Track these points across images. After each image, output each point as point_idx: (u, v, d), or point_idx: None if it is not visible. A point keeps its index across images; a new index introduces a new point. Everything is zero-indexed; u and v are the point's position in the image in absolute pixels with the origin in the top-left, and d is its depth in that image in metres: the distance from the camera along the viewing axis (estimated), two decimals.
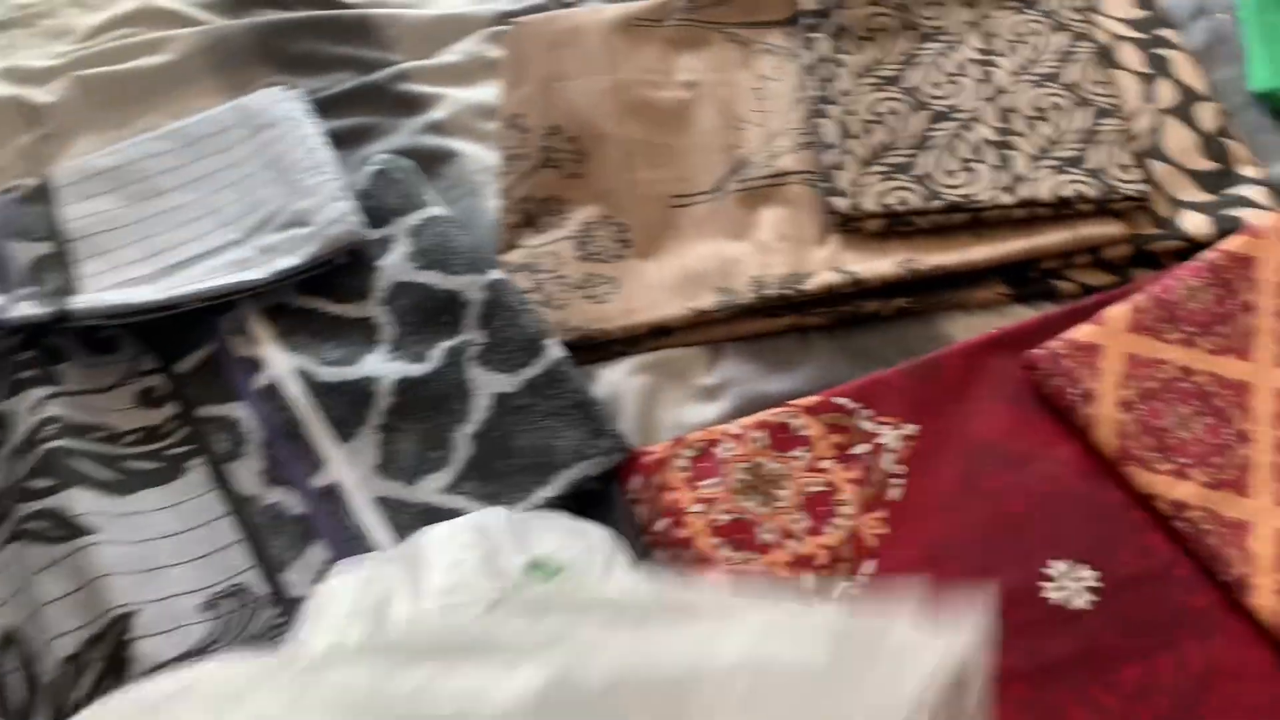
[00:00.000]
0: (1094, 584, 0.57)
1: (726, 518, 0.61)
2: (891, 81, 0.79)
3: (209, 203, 0.78)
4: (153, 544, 0.62)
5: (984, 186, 0.73)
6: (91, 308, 0.71)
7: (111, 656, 0.57)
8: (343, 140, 0.84)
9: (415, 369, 0.68)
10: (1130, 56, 0.81)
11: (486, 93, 0.86)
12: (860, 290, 0.71)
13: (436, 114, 0.86)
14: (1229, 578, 0.56)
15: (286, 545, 0.62)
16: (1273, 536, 0.57)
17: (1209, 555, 0.57)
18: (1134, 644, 0.55)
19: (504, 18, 0.90)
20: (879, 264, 0.71)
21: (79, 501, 0.62)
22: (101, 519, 0.62)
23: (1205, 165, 0.75)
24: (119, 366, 0.72)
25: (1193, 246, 0.71)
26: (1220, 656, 0.55)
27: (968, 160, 0.74)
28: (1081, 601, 0.57)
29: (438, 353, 0.69)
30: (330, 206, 0.75)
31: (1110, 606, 0.57)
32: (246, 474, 0.66)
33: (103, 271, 0.75)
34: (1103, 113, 0.76)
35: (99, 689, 0.56)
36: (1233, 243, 0.67)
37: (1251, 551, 0.56)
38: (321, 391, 0.68)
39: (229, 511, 0.64)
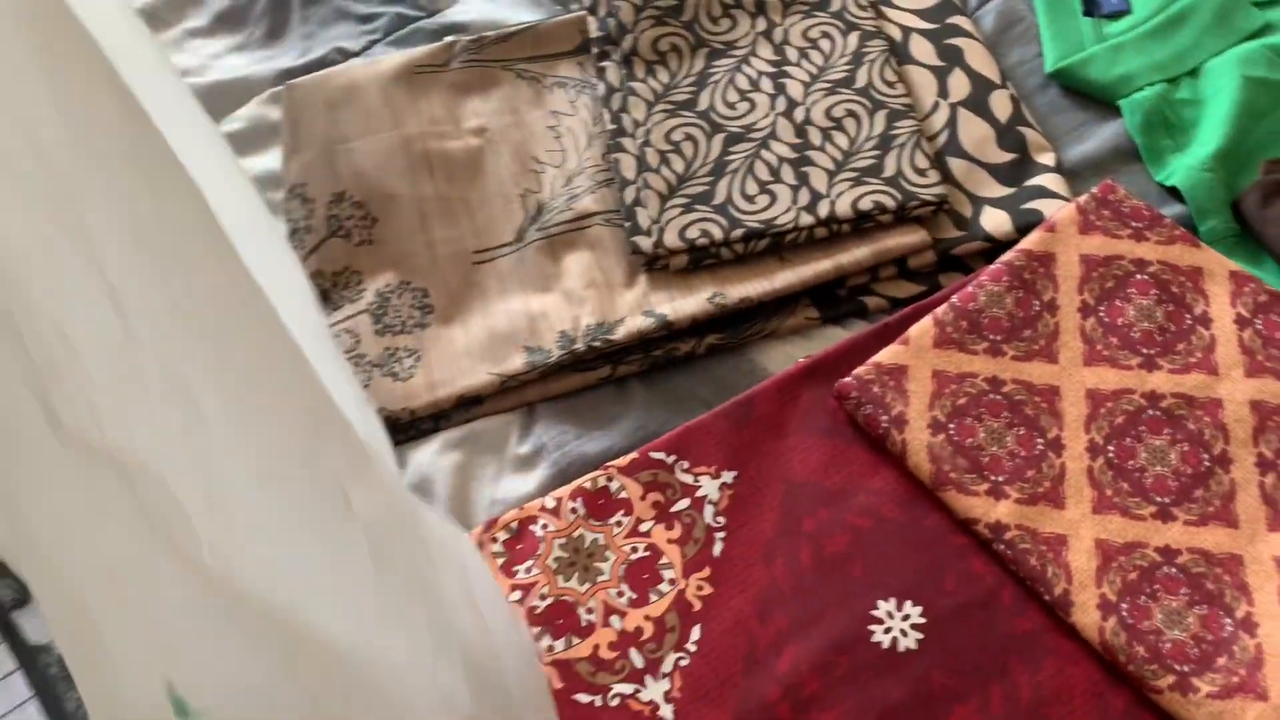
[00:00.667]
0: (920, 620, 0.56)
1: (545, 603, 0.58)
2: (685, 106, 0.77)
3: None
4: None
5: (784, 209, 0.71)
6: None
7: None
8: None
9: None
10: (922, 49, 0.80)
11: (274, 160, 0.82)
12: (671, 332, 0.69)
13: None
14: (1051, 596, 0.55)
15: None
16: (1090, 549, 0.56)
17: (1030, 575, 0.56)
18: (964, 681, 0.54)
19: (285, 76, 0.86)
20: (687, 303, 0.69)
21: None
22: None
23: (1003, 157, 0.74)
24: None
25: (997, 246, 0.70)
26: (1049, 682, 0.54)
27: (766, 183, 0.73)
28: (910, 641, 0.56)
29: None
30: None
31: (938, 642, 0.55)
32: (37, 620, 0.61)
33: None
34: (896, 115, 0.75)
35: None
36: (1031, 240, 0.67)
37: (1070, 566, 0.56)
38: None
39: (18, 667, 0.60)
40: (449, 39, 0.83)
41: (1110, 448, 0.59)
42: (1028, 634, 0.55)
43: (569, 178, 0.77)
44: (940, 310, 0.64)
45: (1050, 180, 0.72)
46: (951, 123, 0.76)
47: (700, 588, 0.58)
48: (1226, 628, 0.53)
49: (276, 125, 0.83)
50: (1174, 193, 0.72)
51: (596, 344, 0.68)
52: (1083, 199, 0.68)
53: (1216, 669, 0.52)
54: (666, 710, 0.55)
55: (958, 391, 0.61)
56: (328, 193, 0.76)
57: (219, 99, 0.86)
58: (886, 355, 0.63)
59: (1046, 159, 0.74)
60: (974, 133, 0.75)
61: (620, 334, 0.68)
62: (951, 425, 0.60)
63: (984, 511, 0.58)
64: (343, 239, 0.74)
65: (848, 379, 0.63)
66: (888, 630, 0.56)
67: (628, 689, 0.55)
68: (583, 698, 0.55)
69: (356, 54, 0.87)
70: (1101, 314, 0.63)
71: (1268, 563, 0.55)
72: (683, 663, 0.56)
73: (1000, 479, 0.59)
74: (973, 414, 0.61)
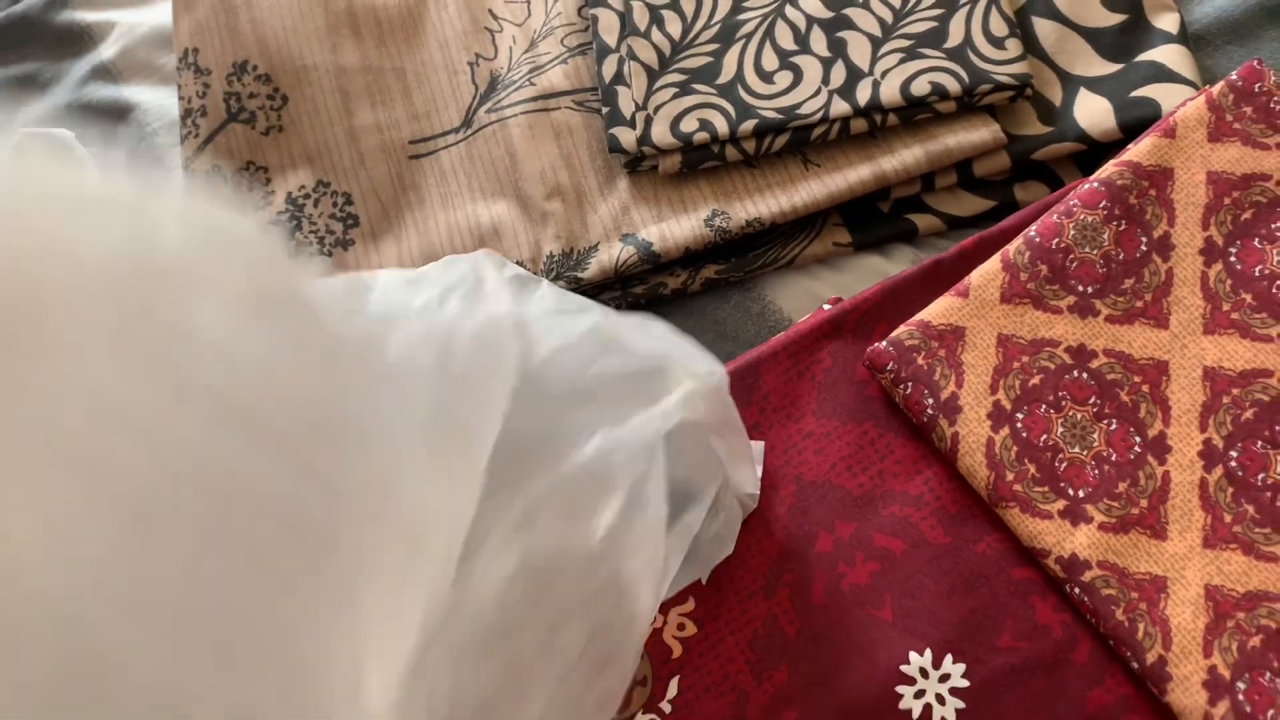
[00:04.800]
0: (963, 684, 0.43)
1: None
2: None
3: None
4: None
5: (811, 92, 0.54)
6: None
7: None
8: None
9: None
10: None
11: (163, 14, 0.65)
12: (658, 264, 0.53)
13: (105, 52, 0.65)
14: (1141, 665, 0.41)
15: None
16: (1198, 600, 0.42)
17: (1114, 633, 0.42)
18: None
19: None
20: (678, 226, 0.53)
21: None
22: None
23: (1108, 19, 0.56)
24: None
25: (1095, 149, 0.53)
26: None
27: (789, 54, 0.55)
28: (948, 711, 0.43)
29: None
30: None
31: (986, 714, 0.42)
32: None
33: None
34: None
35: None
36: (1141, 148, 0.49)
37: (1170, 624, 0.42)
38: None
39: None
40: None
41: (1233, 454, 0.44)
42: (1107, 712, 0.42)
43: (531, 40, 0.59)
44: (1013, 247, 0.48)
45: (1171, 55, 0.54)
46: None
47: (682, 626, 0.45)
48: None
49: None
50: None
51: (560, 283, 0.53)
52: (1216, 88, 0.50)
53: None
54: None
55: (1030, 366, 0.46)
56: (226, 62, 0.59)
57: None
58: (938, 311, 0.47)
59: (1167, 22, 0.55)
60: None
61: (592, 270, 0.53)
62: (1019, 415, 0.45)
63: (1057, 540, 0.43)
64: (245, 124, 0.58)
65: (883, 344, 0.47)
66: (919, 694, 0.43)
67: None
68: None
69: None
70: (1233, 259, 0.47)
71: None
72: None
73: (1081, 494, 0.44)
74: (1049, 399, 0.46)
